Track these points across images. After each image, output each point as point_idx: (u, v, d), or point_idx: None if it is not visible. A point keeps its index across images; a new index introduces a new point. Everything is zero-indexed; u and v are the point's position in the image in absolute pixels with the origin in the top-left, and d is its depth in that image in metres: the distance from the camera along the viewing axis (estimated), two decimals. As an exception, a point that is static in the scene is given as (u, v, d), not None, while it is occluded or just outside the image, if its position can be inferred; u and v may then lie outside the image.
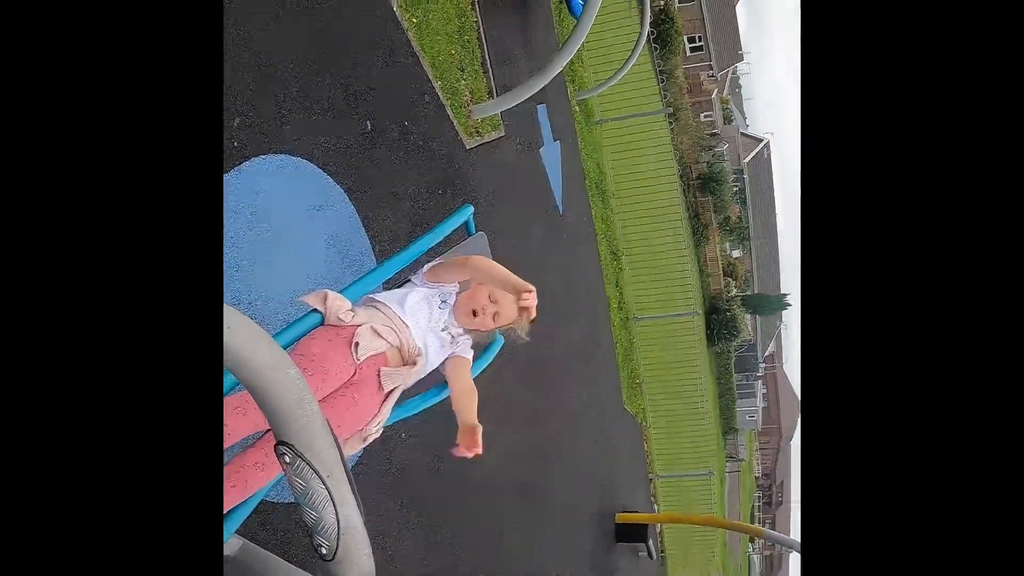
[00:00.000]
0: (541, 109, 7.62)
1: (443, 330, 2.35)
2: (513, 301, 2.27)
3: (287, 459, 1.30)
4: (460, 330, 2.38)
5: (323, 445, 1.30)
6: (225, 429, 1.78)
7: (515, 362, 5.56)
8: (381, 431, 2.23)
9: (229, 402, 1.83)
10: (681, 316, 12.16)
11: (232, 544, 2.21)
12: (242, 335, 1.26)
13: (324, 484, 1.32)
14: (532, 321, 2.36)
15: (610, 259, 10.70)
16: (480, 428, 2.18)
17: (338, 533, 1.36)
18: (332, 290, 2.13)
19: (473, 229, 2.88)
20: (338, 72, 3.50)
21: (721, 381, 34.65)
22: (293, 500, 1.73)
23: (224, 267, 2.52)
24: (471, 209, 2.84)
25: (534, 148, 7.15)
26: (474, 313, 2.30)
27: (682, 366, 13.09)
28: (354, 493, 1.41)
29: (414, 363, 2.24)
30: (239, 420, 1.82)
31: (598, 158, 10.83)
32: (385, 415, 2.20)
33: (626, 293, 11.54)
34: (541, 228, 7.05)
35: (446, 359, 2.42)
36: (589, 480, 7.71)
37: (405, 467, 3.64)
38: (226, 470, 1.83)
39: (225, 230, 2.54)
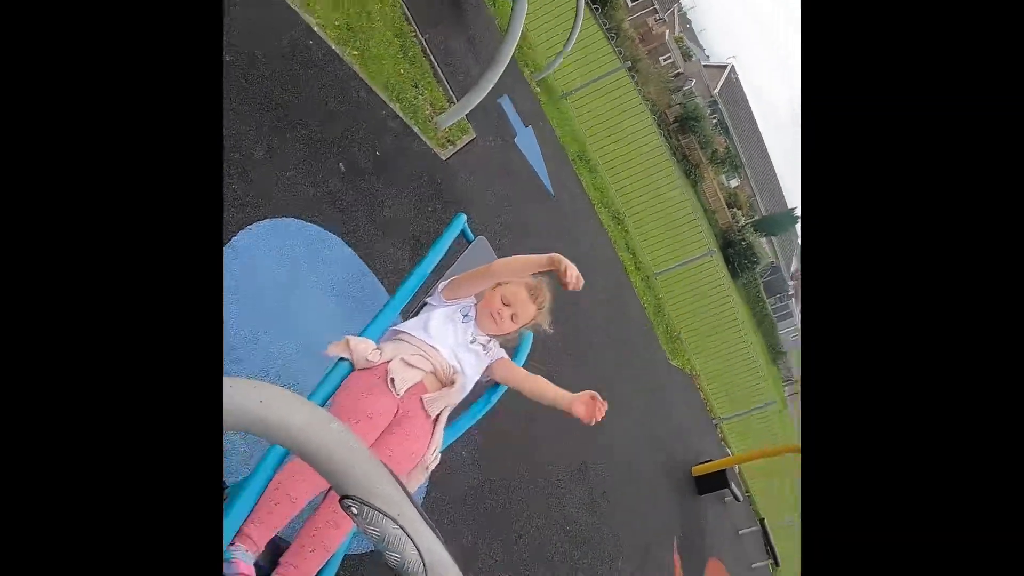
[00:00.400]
0: (504, 100, 7.60)
1: (472, 342, 2.35)
2: (527, 299, 2.35)
3: (354, 511, 1.30)
4: (486, 338, 2.40)
5: (385, 487, 1.30)
6: (289, 496, 1.78)
7: (550, 350, 5.55)
8: (439, 457, 2.23)
9: (287, 469, 1.83)
10: (698, 259, 12.08)
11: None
12: (276, 405, 1.26)
13: (397, 524, 1.31)
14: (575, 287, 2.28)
15: (614, 225, 10.67)
16: (587, 393, 2.27)
17: (424, 567, 1.36)
18: (352, 335, 2.13)
19: (471, 236, 2.88)
20: (296, 125, 3.50)
21: (756, 310, 34.46)
22: (373, 549, 1.73)
23: (242, 341, 2.53)
24: (463, 218, 2.83)
25: (508, 140, 7.13)
26: (492, 319, 2.35)
27: (714, 307, 13.02)
28: (429, 525, 1.41)
29: (453, 382, 2.24)
30: (300, 485, 1.81)
31: (573, 131, 10.79)
32: (439, 440, 2.20)
33: (639, 253, 11.50)
34: (537, 215, 7.03)
35: (489, 366, 2.44)
36: (654, 443, 7.69)
37: (472, 482, 3.65)
38: (301, 535, 1.83)
39: (233, 306, 2.56)
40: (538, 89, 9.64)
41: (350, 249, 3.44)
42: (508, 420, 4.18)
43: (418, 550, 1.34)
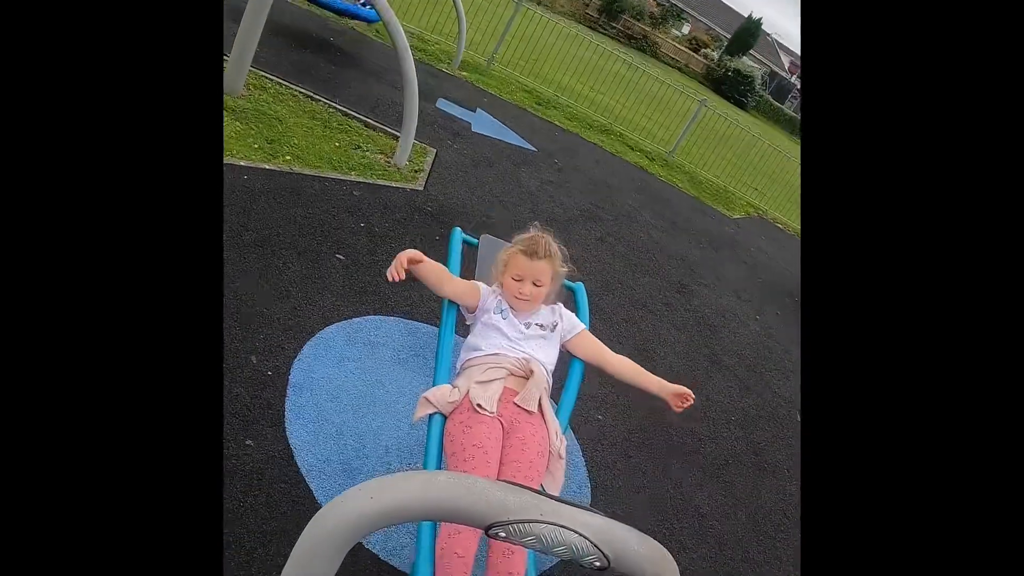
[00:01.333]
0: (441, 103, 7.64)
1: (528, 327, 2.41)
2: (531, 262, 2.37)
3: (502, 534, 1.38)
4: (541, 319, 2.45)
5: (514, 500, 1.38)
6: (456, 554, 1.83)
7: (627, 265, 5.59)
8: (565, 439, 2.30)
9: (443, 531, 1.89)
10: (696, 116, 11.86)
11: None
12: (384, 494, 1.35)
13: (544, 522, 1.39)
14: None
15: (607, 138, 10.57)
16: (681, 389, 2.43)
17: (590, 541, 1.42)
18: (425, 390, 2.21)
19: (474, 240, 2.94)
20: (281, 249, 3.62)
21: (782, 121, 33.57)
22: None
23: (334, 443, 2.64)
24: (458, 230, 2.89)
25: (466, 133, 7.16)
26: (521, 300, 2.40)
27: (739, 144, 12.80)
28: (573, 504, 1.48)
29: (531, 371, 2.30)
30: (460, 539, 1.87)
31: (517, 86, 10.73)
32: (555, 424, 2.27)
33: (644, 146, 11.37)
34: (532, 174, 7.04)
35: (570, 342, 2.53)
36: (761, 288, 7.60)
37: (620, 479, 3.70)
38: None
39: (315, 416, 2.67)
40: (464, 74, 9.62)
41: (390, 317, 3.54)
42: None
43: (575, 531, 1.41)
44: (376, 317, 3.49)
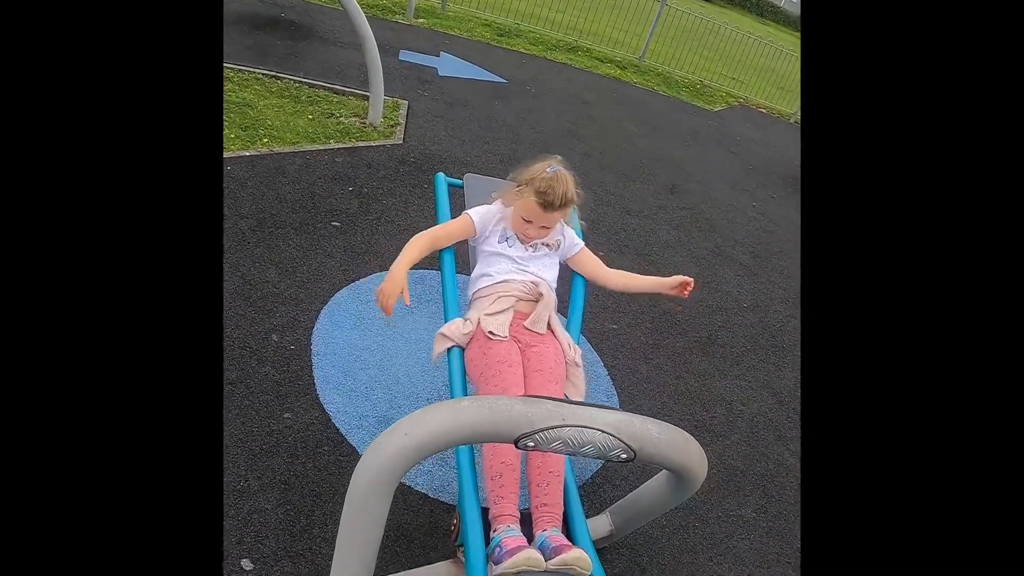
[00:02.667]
0: (403, 54, 7.59)
1: (535, 248, 2.48)
2: (541, 204, 2.30)
3: (531, 444, 1.50)
4: (544, 239, 2.49)
5: (536, 410, 1.49)
6: (504, 464, 1.94)
7: (616, 172, 5.64)
8: (579, 348, 2.39)
9: (486, 448, 2.01)
10: (660, 15, 11.66)
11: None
12: (416, 429, 1.47)
13: (567, 426, 1.50)
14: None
15: (574, 55, 10.46)
16: (677, 278, 2.49)
17: (615, 436, 1.54)
18: (439, 329, 2.31)
19: (458, 182, 3.00)
20: (278, 227, 3.70)
21: (748, 4, 32.80)
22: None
23: (365, 400, 2.76)
24: (441, 176, 2.96)
25: (435, 79, 7.13)
26: (528, 236, 2.44)
27: (707, 36, 12.60)
28: (594, 405, 1.59)
29: (540, 295, 2.38)
30: (505, 449, 1.96)
31: (475, 22, 10.58)
32: (567, 338, 2.37)
33: (613, 56, 11.24)
34: (508, 108, 7.02)
35: (572, 259, 2.61)
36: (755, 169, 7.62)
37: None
38: (531, 480, 1.99)
39: (343, 379, 2.79)
40: (421, 21, 9.50)
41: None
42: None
43: (598, 430, 1.52)
44: (382, 274, 3.59)
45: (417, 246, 2.39)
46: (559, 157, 2.46)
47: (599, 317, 3.95)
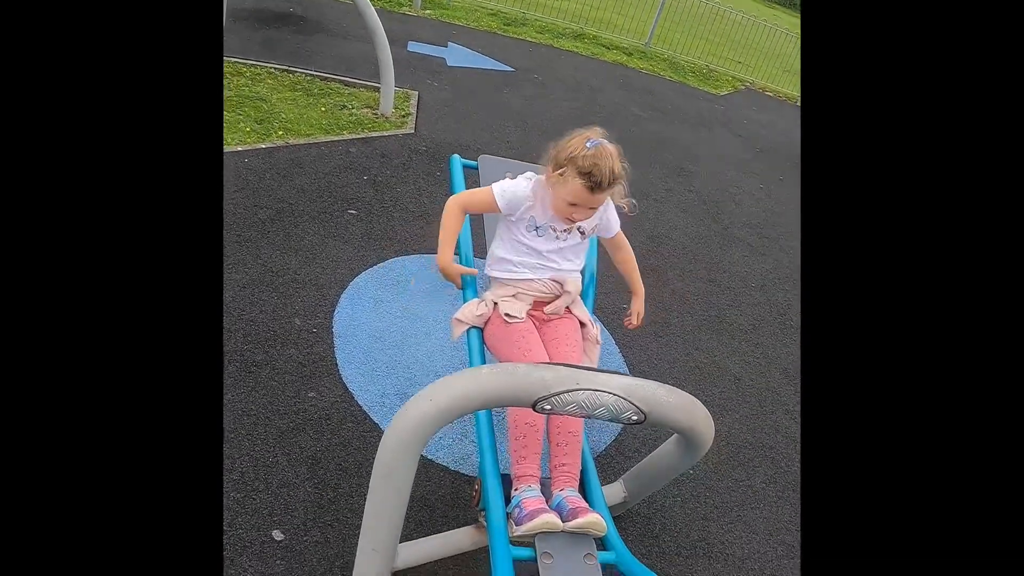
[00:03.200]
0: (412, 45, 7.67)
1: (568, 234, 2.31)
2: (591, 197, 2.14)
3: (547, 407, 1.61)
4: (580, 225, 2.32)
5: (553, 375, 1.60)
6: (527, 424, 2.00)
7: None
8: (597, 325, 2.44)
9: (510, 410, 2.06)
10: (664, 1, 11.68)
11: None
12: (439, 396, 1.57)
13: (582, 390, 1.61)
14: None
15: (581, 43, 10.51)
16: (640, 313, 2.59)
17: (626, 399, 1.64)
18: (455, 315, 2.36)
19: (473, 163, 3.08)
20: (297, 219, 3.82)
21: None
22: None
23: (387, 378, 2.88)
24: (456, 158, 3.04)
25: (444, 69, 7.22)
26: (572, 221, 2.27)
27: (716, 21, 12.60)
28: (606, 371, 1.70)
29: (564, 290, 2.35)
30: (521, 414, 2.02)
31: (483, 12, 10.65)
32: (586, 315, 2.41)
33: (619, 42, 11.28)
34: (516, 95, 7.11)
35: (609, 239, 2.52)
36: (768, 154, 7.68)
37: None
38: (552, 441, 2.05)
39: (364, 359, 2.91)
40: (428, 12, 9.58)
41: (411, 256, 3.75)
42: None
43: (610, 393, 1.63)
44: (399, 259, 3.71)
45: (454, 219, 2.34)
46: (598, 128, 2.24)
47: (611, 296, 4.05)
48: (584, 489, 2.06)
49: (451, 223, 2.35)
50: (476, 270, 2.49)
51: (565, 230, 2.31)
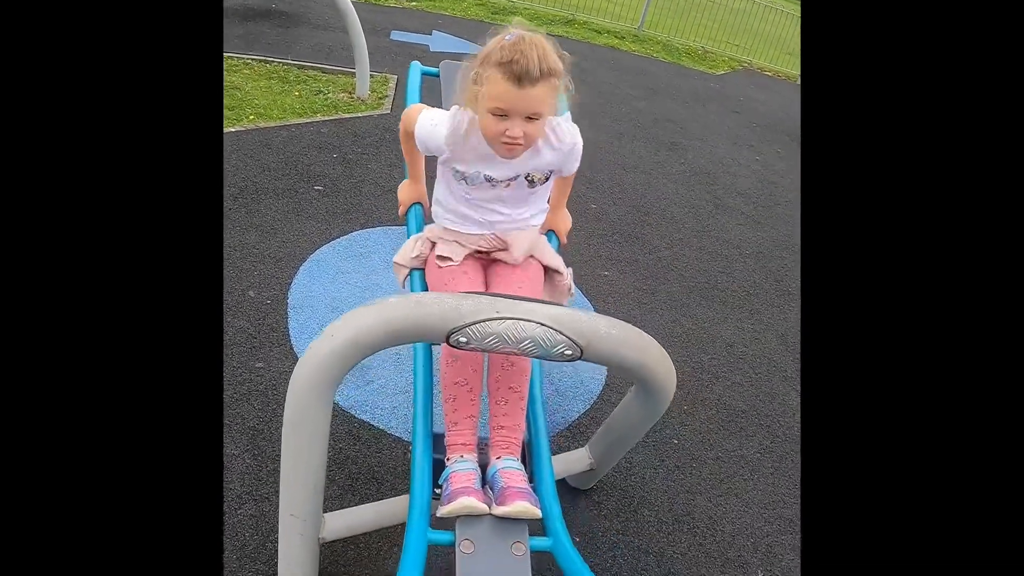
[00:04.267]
0: (396, 34, 7.53)
1: (511, 183, 1.87)
2: (520, 94, 1.64)
3: (464, 339, 1.42)
4: (534, 164, 1.86)
5: (468, 306, 1.41)
6: (458, 384, 1.73)
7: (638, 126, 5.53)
8: (569, 274, 2.03)
9: (442, 371, 1.77)
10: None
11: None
12: (346, 328, 1.40)
13: (502, 319, 1.42)
14: None
15: (571, 28, 10.33)
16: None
17: (557, 330, 1.45)
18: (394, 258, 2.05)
19: (434, 70, 2.79)
20: (262, 196, 3.67)
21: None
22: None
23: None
24: (416, 63, 2.76)
25: (426, 55, 7.06)
26: (511, 146, 1.73)
27: (713, 7, 12.37)
28: (530, 300, 1.50)
29: (507, 245, 1.95)
30: (456, 367, 1.73)
31: (470, 1, 10.50)
32: (551, 259, 2.01)
33: (611, 27, 11.09)
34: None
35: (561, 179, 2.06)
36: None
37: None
38: (491, 397, 1.77)
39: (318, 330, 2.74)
40: (414, 3, 9.44)
41: (376, 228, 3.59)
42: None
43: (537, 323, 1.44)
44: (363, 231, 3.55)
45: (404, 142, 2.02)
46: (520, 19, 1.79)
47: (591, 264, 3.86)
48: (530, 456, 1.81)
49: (405, 149, 2.05)
50: (427, 201, 2.14)
51: (505, 180, 1.85)
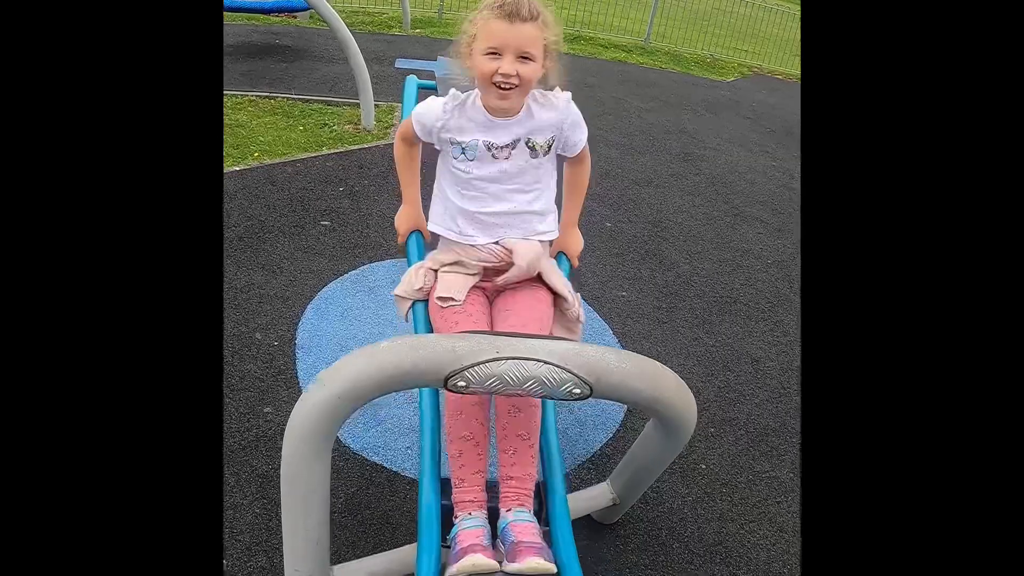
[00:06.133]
0: (401, 62, 7.53)
1: (512, 150, 1.86)
2: (511, 29, 1.74)
3: (462, 383, 1.33)
4: (532, 127, 1.87)
5: (465, 347, 1.32)
6: (464, 437, 1.68)
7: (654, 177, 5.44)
8: (577, 298, 1.98)
9: (447, 425, 1.72)
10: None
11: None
12: (338, 377, 1.32)
13: (503, 359, 1.33)
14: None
15: (577, 44, 10.30)
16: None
17: (562, 367, 1.35)
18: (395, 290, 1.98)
19: (433, 84, 2.78)
20: (267, 236, 3.62)
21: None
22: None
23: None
24: (412, 78, 2.77)
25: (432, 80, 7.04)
26: (496, 88, 1.77)
27: (720, 15, 12.33)
28: (539, 337, 1.41)
29: (512, 259, 1.90)
30: (462, 421, 1.69)
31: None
32: (559, 284, 1.94)
33: (618, 42, 11.06)
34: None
35: (572, 161, 2.03)
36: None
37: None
38: (499, 446, 1.70)
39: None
40: (417, 31, 9.46)
41: (384, 261, 3.52)
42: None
43: (540, 361, 1.35)
44: (371, 265, 3.48)
45: (399, 155, 2.05)
46: None
47: (607, 285, 3.76)
48: (548, 504, 1.69)
49: (399, 162, 2.06)
50: (427, 229, 2.07)
51: (505, 146, 1.84)
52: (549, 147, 1.90)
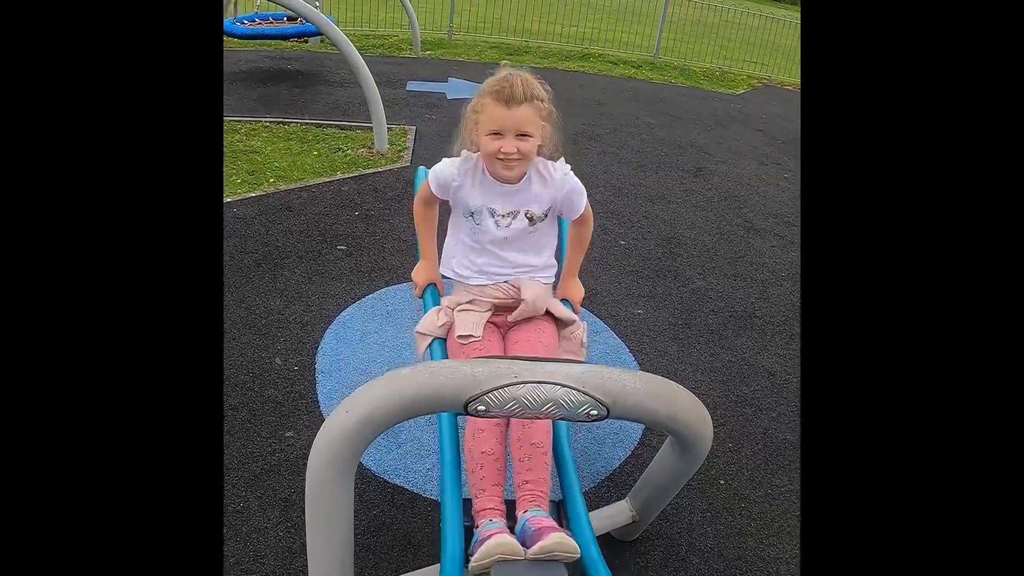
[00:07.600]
0: (412, 84, 7.61)
1: (512, 220, 2.08)
2: (508, 113, 1.92)
3: (482, 408, 1.36)
4: (532, 200, 2.08)
5: (484, 372, 1.35)
6: (484, 452, 1.76)
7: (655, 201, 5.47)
8: (583, 327, 2.20)
9: (466, 441, 1.82)
10: (666, 11, 11.51)
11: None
12: (360, 403, 1.35)
13: (521, 383, 1.36)
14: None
15: (586, 61, 10.37)
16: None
17: (580, 390, 1.38)
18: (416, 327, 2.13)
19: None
20: (285, 263, 3.67)
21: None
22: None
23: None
24: (423, 169, 2.83)
25: (443, 104, 7.12)
26: (501, 161, 1.97)
27: (722, 25, 12.37)
28: (555, 361, 1.45)
29: (522, 297, 2.10)
30: (483, 437, 1.78)
31: (482, 47, 10.62)
32: (562, 311, 2.15)
33: (627, 58, 11.11)
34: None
35: (575, 222, 2.23)
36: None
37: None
38: (515, 458, 1.79)
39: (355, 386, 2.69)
40: (428, 53, 9.56)
41: (401, 285, 3.56)
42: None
43: (557, 384, 1.38)
44: (388, 288, 3.52)
45: (419, 217, 2.26)
46: (505, 60, 2.23)
47: (623, 303, 3.78)
48: (564, 504, 1.76)
49: (419, 222, 2.26)
50: (441, 282, 2.31)
51: (507, 215, 2.07)
52: (546, 215, 2.11)
